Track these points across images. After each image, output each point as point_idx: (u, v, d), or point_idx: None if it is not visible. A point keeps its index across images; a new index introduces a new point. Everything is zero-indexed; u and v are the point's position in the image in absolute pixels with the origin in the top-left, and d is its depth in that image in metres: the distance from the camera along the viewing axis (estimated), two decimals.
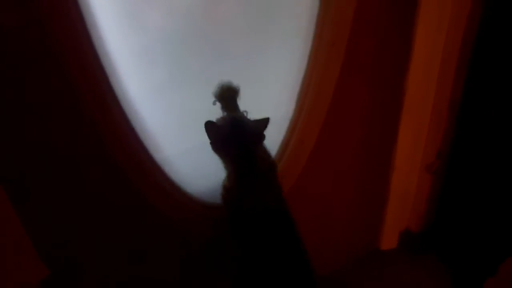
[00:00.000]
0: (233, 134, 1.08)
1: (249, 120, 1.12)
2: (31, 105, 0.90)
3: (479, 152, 1.58)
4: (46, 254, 0.92)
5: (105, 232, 1.11)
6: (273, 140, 1.35)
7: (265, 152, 1.20)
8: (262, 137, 1.11)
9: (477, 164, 1.59)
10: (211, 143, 1.09)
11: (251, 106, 1.22)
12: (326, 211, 1.57)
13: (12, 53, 0.85)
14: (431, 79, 1.50)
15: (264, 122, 1.10)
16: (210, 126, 1.07)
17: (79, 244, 1.07)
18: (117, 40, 1.00)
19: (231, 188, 1.11)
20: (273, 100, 1.32)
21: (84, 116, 0.97)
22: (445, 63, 1.47)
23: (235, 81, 1.23)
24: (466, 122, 1.57)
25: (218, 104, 1.22)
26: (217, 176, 1.21)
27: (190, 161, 1.26)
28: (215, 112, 1.22)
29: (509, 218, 1.52)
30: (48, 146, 0.96)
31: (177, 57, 1.14)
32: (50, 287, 0.90)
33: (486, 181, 1.59)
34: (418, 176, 1.68)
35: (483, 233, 1.61)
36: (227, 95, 1.16)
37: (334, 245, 1.66)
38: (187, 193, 1.26)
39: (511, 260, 1.38)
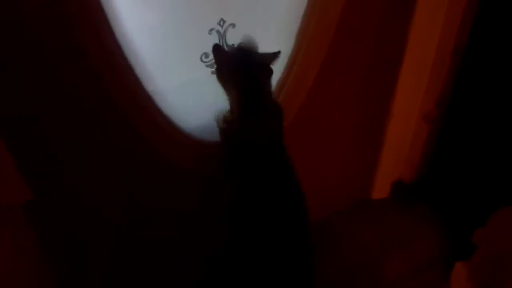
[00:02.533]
0: (242, 61, 1.04)
1: (258, 52, 1.08)
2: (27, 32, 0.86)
3: (478, 103, 1.55)
4: (30, 178, 0.88)
5: (94, 160, 1.07)
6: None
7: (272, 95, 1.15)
8: (271, 70, 1.07)
9: (475, 116, 1.57)
10: (216, 69, 1.06)
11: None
12: (320, 155, 1.54)
13: None
14: (435, 25, 1.45)
15: (274, 55, 1.07)
16: (218, 50, 1.05)
17: (66, 171, 1.04)
18: None
19: (232, 120, 1.07)
20: (272, 34, 1.26)
21: (78, 45, 0.92)
22: (451, 8, 1.41)
23: (234, 11, 1.16)
24: (467, 72, 1.54)
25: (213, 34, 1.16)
26: (210, 113, 1.17)
27: (183, 95, 1.21)
28: (211, 43, 1.16)
29: (500, 171, 1.52)
30: (40, 71, 0.91)
31: None
32: (33, 210, 0.87)
33: (482, 133, 1.57)
34: (415, 125, 1.65)
35: (474, 185, 1.61)
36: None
37: (326, 191, 1.65)
38: (178, 127, 1.21)
39: (500, 212, 1.38)
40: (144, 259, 1.30)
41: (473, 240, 1.39)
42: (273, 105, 1.11)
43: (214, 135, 1.19)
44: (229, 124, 1.09)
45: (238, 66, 1.03)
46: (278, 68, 1.31)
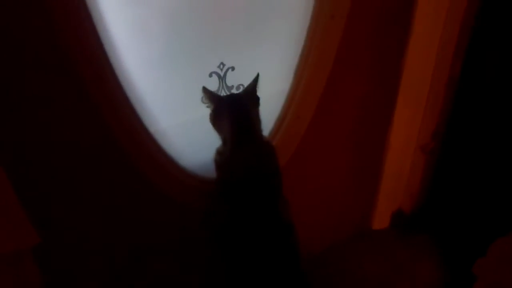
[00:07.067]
0: (228, 99, 1.13)
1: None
2: (28, 72, 0.89)
3: (474, 133, 1.58)
4: (37, 221, 0.91)
5: (97, 201, 1.10)
6: (269, 115, 1.34)
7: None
8: (257, 97, 1.15)
9: (471, 146, 1.60)
10: (212, 110, 1.13)
11: (249, 81, 1.20)
12: (320, 188, 1.57)
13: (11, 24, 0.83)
14: (429, 58, 1.49)
15: (254, 80, 1.13)
16: (207, 90, 1.12)
17: (71, 212, 1.07)
18: (114, 12, 0.98)
19: (224, 151, 1.13)
20: (270, 74, 1.30)
21: (79, 86, 0.95)
22: (444, 42, 1.46)
23: (233, 55, 1.21)
24: (462, 103, 1.57)
25: (214, 77, 1.21)
26: (211, 151, 1.20)
27: (185, 135, 1.25)
28: (211, 86, 1.21)
29: (499, 200, 1.53)
30: (44, 115, 0.94)
31: (175, 30, 1.12)
32: (41, 255, 0.90)
33: (479, 163, 1.59)
34: (412, 156, 1.68)
35: (474, 214, 1.62)
36: None
37: (326, 223, 1.67)
38: (180, 166, 1.25)
39: (500, 241, 1.39)
40: None
41: (473, 270, 1.40)
42: (263, 140, 1.17)
43: (215, 172, 1.23)
44: (221, 155, 1.15)
45: (226, 98, 1.12)
46: (276, 106, 1.36)
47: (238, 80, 1.24)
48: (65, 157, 1.01)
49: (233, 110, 1.11)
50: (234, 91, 1.25)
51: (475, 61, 1.49)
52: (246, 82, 1.24)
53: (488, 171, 1.57)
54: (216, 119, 1.13)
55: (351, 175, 1.64)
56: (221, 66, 1.19)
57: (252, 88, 1.14)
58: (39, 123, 0.94)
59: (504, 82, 1.46)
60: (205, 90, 1.11)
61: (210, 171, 1.25)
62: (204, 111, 1.24)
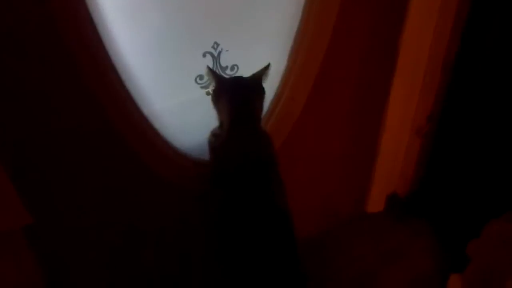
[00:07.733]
0: (232, 81, 1.13)
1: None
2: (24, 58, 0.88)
3: (469, 117, 1.58)
4: (30, 202, 0.90)
5: (91, 182, 1.09)
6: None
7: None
8: (262, 88, 1.14)
9: (466, 129, 1.60)
10: (213, 90, 1.13)
11: (243, 63, 1.19)
12: (315, 171, 1.57)
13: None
14: (425, 40, 1.48)
15: (264, 68, 1.13)
16: (211, 69, 1.12)
17: (64, 193, 1.06)
18: None
19: (219, 134, 1.12)
20: (264, 56, 1.29)
21: (74, 69, 0.94)
22: (440, 24, 1.45)
23: (227, 35, 1.20)
24: (457, 86, 1.57)
25: (208, 57, 1.19)
26: (205, 132, 1.20)
27: (179, 116, 1.24)
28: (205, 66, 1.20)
29: (493, 182, 1.54)
30: (38, 94, 0.93)
31: (168, 10, 1.10)
32: (33, 235, 0.89)
33: (473, 146, 1.60)
34: (408, 139, 1.68)
35: (468, 197, 1.63)
36: None
37: (321, 206, 1.68)
38: (174, 147, 1.24)
39: (493, 222, 1.40)
40: (142, 281, 1.32)
41: (467, 251, 1.41)
42: (260, 129, 1.15)
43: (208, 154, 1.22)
44: (217, 138, 1.14)
45: (230, 80, 1.12)
46: (271, 87, 1.34)
47: (232, 61, 1.23)
48: (60, 140, 1.00)
49: (235, 93, 1.10)
50: (228, 71, 1.24)
51: (471, 45, 1.48)
52: (240, 62, 1.23)
53: (482, 154, 1.58)
54: (217, 99, 1.12)
55: (346, 158, 1.63)
56: (215, 46, 1.18)
57: (259, 76, 1.13)
58: (35, 108, 0.94)
59: (500, 67, 1.45)
60: (209, 69, 1.12)
61: (204, 153, 1.25)
62: (198, 92, 1.23)
